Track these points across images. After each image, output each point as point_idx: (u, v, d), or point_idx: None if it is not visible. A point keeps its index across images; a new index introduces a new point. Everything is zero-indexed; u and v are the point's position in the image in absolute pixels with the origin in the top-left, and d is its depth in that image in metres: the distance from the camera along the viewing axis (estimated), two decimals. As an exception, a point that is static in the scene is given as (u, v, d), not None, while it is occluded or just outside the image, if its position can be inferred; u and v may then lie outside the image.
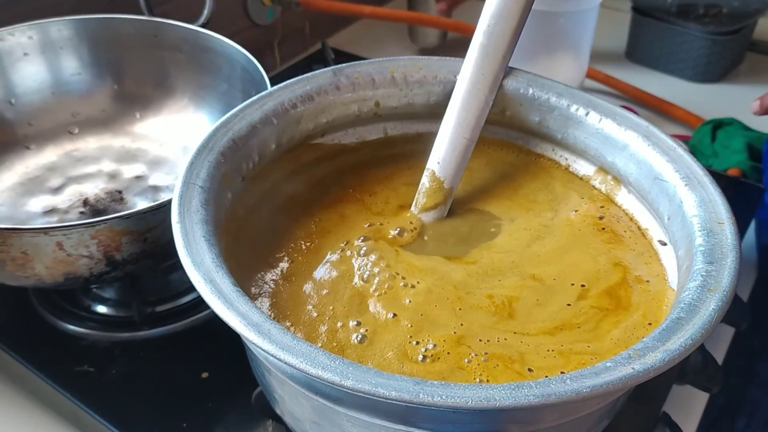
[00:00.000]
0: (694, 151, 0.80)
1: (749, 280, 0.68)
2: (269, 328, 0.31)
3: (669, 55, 0.93)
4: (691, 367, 0.55)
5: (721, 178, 0.71)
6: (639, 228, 0.44)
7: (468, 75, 0.45)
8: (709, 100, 0.90)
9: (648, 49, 0.95)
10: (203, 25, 0.64)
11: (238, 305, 0.32)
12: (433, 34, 0.96)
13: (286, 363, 0.30)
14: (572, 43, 0.83)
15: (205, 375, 0.52)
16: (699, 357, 0.55)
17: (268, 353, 0.30)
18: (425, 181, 0.46)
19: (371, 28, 1.05)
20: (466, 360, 0.36)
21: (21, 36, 0.62)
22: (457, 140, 0.45)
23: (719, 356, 0.61)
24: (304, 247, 0.43)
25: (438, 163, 0.45)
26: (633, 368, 0.29)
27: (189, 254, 0.34)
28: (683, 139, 0.82)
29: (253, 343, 0.31)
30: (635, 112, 0.86)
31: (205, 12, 0.65)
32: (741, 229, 0.65)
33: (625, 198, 0.45)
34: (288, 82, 0.46)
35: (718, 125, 0.81)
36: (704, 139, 0.80)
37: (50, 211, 0.59)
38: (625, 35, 0.97)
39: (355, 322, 0.38)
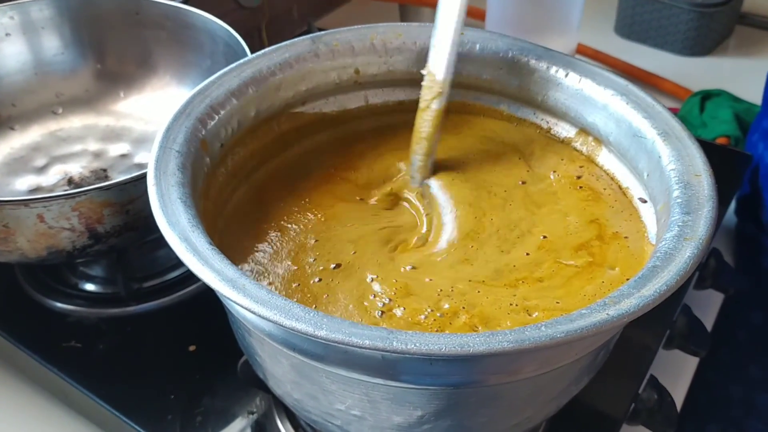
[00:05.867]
0: (683, 122, 0.79)
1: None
2: (244, 283, 0.31)
3: (658, 29, 0.93)
4: (679, 331, 0.55)
5: (709, 147, 0.70)
6: (620, 187, 0.44)
7: None
8: (699, 73, 0.90)
9: (637, 24, 0.94)
10: (185, 2, 0.64)
11: (213, 262, 0.32)
12: (426, 16, 0.95)
13: (261, 316, 0.30)
14: (560, 18, 0.82)
15: (192, 348, 0.52)
16: (686, 321, 0.55)
17: (243, 307, 0.30)
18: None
19: (360, 10, 1.05)
20: (422, 316, 0.36)
21: (2, 16, 0.61)
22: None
23: (708, 322, 0.61)
24: (293, 212, 0.43)
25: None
26: (607, 314, 0.29)
27: (165, 215, 0.34)
28: (672, 112, 0.81)
29: (229, 299, 0.31)
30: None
31: (187, -13, 0.65)
32: (727, 197, 0.65)
33: (606, 158, 0.45)
34: (266, 50, 0.46)
35: (706, 96, 0.81)
36: (693, 110, 0.80)
37: (35, 190, 0.59)
38: (613, 10, 0.97)
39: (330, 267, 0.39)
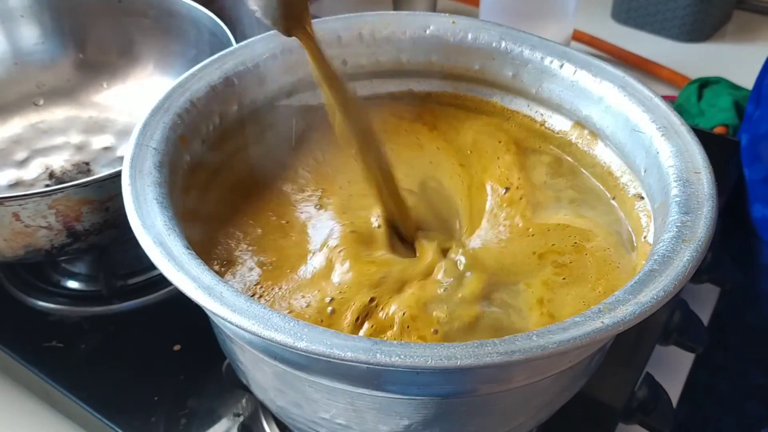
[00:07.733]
0: (680, 111, 0.78)
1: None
2: (221, 291, 0.29)
3: (655, 15, 0.91)
4: (676, 327, 0.54)
5: (706, 136, 0.69)
6: (617, 183, 0.42)
7: None
8: (697, 59, 0.88)
9: (634, 9, 0.92)
10: (169, -11, 0.62)
11: (189, 268, 0.30)
12: (421, 1, 0.93)
13: (238, 326, 0.28)
14: (556, 3, 0.81)
15: (177, 348, 0.51)
16: (683, 317, 0.54)
17: (220, 316, 0.29)
18: None
19: (352, -3, 1.03)
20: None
21: (-21, 5, 0.60)
22: None
23: (705, 316, 0.60)
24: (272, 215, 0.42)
25: None
26: (602, 322, 0.28)
27: (139, 217, 0.32)
28: (669, 99, 0.80)
29: (205, 307, 0.29)
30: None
31: (170, -25, 0.63)
32: (725, 187, 0.64)
33: (602, 152, 0.43)
34: (250, 40, 0.44)
35: (704, 84, 0.79)
36: (690, 98, 0.78)
37: (15, 185, 0.57)
38: (610, -5, 0.95)
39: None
